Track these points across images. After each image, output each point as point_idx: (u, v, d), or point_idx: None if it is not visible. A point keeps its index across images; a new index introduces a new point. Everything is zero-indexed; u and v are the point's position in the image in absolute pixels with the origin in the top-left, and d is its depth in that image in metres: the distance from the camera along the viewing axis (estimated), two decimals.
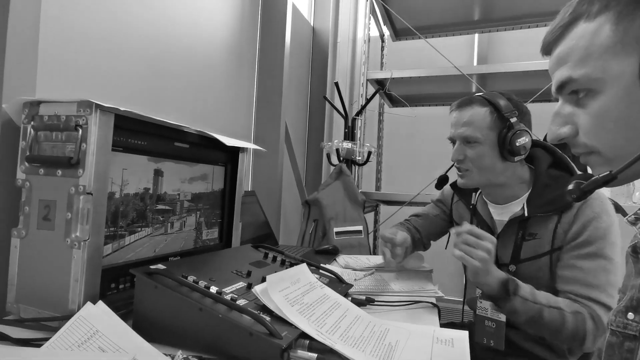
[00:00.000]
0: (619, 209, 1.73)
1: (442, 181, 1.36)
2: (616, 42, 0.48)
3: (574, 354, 1.09)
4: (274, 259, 1.00)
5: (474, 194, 1.27)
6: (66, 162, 0.68)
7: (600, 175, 0.50)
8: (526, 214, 1.08)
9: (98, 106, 0.68)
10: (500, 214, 1.17)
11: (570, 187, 0.55)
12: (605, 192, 1.84)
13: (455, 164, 1.18)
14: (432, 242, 1.49)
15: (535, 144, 1.14)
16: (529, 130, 1.08)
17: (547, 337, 1.00)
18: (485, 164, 1.11)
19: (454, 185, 1.31)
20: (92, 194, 0.68)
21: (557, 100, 0.57)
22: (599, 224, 1.00)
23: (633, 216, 0.59)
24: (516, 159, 1.07)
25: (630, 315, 0.54)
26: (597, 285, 0.96)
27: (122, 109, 0.71)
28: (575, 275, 0.99)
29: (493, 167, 1.11)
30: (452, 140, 1.17)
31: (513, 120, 1.07)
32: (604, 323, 0.94)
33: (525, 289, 0.96)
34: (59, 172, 0.70)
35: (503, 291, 0.94)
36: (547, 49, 0.56)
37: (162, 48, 1.34)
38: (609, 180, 0.49)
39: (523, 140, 1.06)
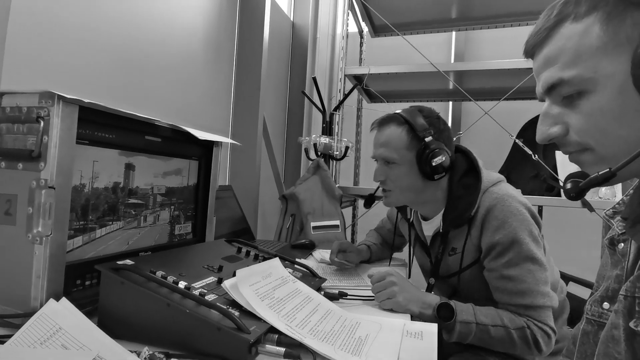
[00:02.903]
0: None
1: (369, 199, 1.32)
2: (607, 42, 0.47)
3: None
4: (247, 253, 1.00)
5: (408, 209, 1.26)
6: (27, 155, 0.66)
7: (600, 173, 0.48)
8: (441, 230, 1.09)
9: (60, 97, 0.66)
10: (428, 229, 1.18)
11: (568, 185, 0.53)
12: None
13: (379, 185, 1.17)
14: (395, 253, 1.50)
15: (455, 149, 1.14)
16: (445, 148, 1.06)
17: (503, 351, 1.00)
18: (405, 184, 1.10)
19: None
20: (54, 188, 0.66)
21: (542, 101, 0.55)
22: (507, 229, 0.99)
23: (611, 210, 0.60)
24: (436, 177, 1.06)
25: (606, 305, 0.55)
26: (528, 290, 0.97)
27: (86, 100, 0.69)
28: (505, 285, 0.99)
29: (414, 186, 1.10)
30: (376, 160, 1.16)
31: (428, 139, 1.06)
32: (550, 324, 0.97)
33: (464, 311, 0.96)
34: (20, 165, 0.68)
35: (440, 317, 0.95)
36: (530, 52, 0.55)
37: (137, 41, 1.30)
38: (609, 178, 0.48)
39: (439, 160, 1.04)
